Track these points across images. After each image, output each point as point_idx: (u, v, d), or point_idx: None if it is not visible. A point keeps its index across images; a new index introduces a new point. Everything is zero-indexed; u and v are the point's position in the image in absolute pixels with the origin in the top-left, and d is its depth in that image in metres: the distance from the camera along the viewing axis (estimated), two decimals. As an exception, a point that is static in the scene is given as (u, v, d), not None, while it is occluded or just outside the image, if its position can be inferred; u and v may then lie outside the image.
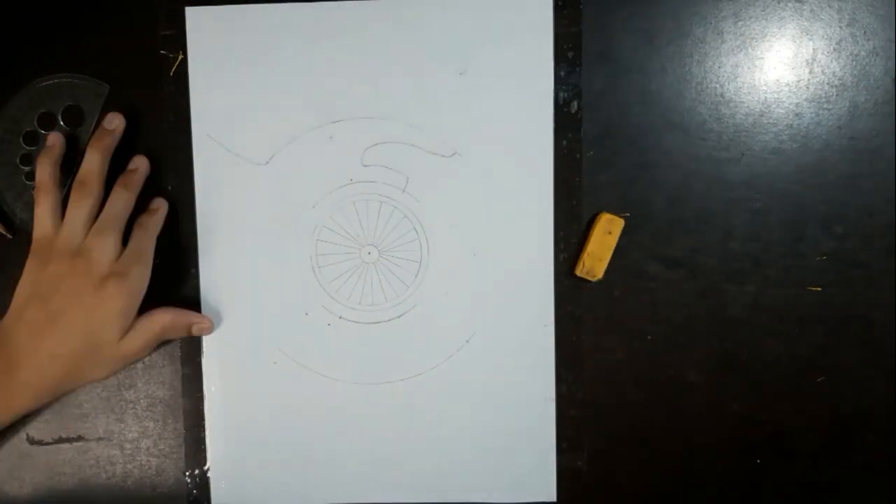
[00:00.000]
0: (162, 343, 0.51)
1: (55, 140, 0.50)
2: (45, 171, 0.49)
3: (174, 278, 0.52)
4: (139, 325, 0.48)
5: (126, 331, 0.47)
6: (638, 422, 0.52)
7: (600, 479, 0.53)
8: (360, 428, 0.52)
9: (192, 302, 0.52)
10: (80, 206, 0.47)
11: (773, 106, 0.51)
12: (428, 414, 0.52)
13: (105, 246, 0.46)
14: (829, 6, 0.50)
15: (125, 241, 0.48)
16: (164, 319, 0.49)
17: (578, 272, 0.50)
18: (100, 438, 0.53)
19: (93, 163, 0.48)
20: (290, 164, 0.52)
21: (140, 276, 0.47)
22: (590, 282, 0.51)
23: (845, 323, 0.52)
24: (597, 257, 0.50)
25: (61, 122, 0.52)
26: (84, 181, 0.48)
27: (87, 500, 0.53)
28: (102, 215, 0.48)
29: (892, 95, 0.51)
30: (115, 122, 0.50)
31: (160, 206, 0.51)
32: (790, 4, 0.51)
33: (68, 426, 0.53)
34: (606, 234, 0.50)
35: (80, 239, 0.47)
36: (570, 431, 0.52)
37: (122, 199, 0.48)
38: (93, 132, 0.51)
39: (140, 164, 0.50)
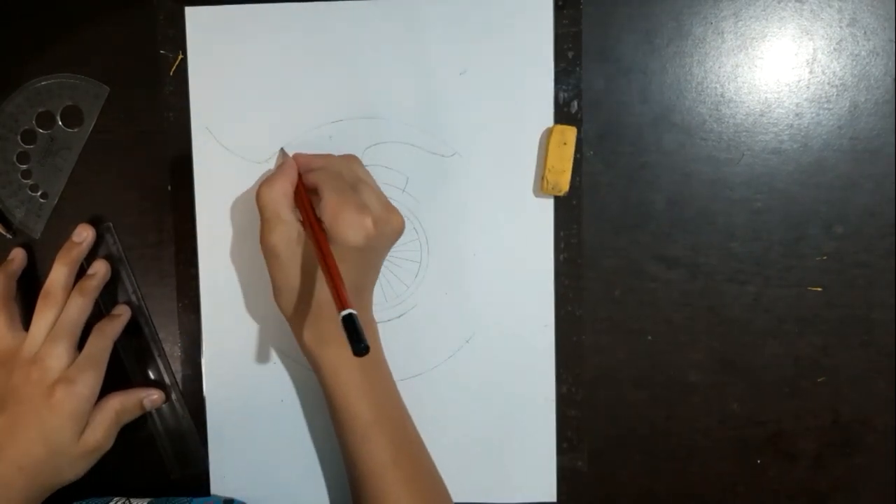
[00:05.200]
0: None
1: (16, 255, 0.51)
2: (0, 285, 0.49)
3: (174, 279, 0.52)
4: (93, 420, 0.48)
5: (82, 430, 0.47)
6: (638, 422, 0.52)
7: (600, 479, 0.53)
8: (359, 428, 0.52)
9: (192, 303, 0.52)
10: (44, 317, 0.48)
11: (774, 106, 0.51)
12: (428, 414, 0.52)
13: (56, 353, 0.47)
14: (829, 6, 0.50)
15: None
16: (115, 405, 0.49)
17: (544, 190, 0.50)
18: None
19: (59, 274, 0.49)
20: (289, 164, 0.51)
21: (89, 382, 0.47)
22: (586, 278, 0.51)
23: (845, 323, 0.52)
24: (559, 171, 0.49)
25: (60, 123, 0.52)
26: (49, 292, 0.48)
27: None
28: (58, 323, 0.48)
29: (893, 95, 0.51)
30: (84, 235, 0.50)
31: (122, 313, 0.51)
32: (790, 4, 0.51)
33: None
34: (562, 145, 0.49)
35: (39, 348, 0.47)
36: (570, 431, 0.52)
37: (77, 306, 0.49)
38: (90, 134, 0.51)
39: (99, 269, 0.51)
